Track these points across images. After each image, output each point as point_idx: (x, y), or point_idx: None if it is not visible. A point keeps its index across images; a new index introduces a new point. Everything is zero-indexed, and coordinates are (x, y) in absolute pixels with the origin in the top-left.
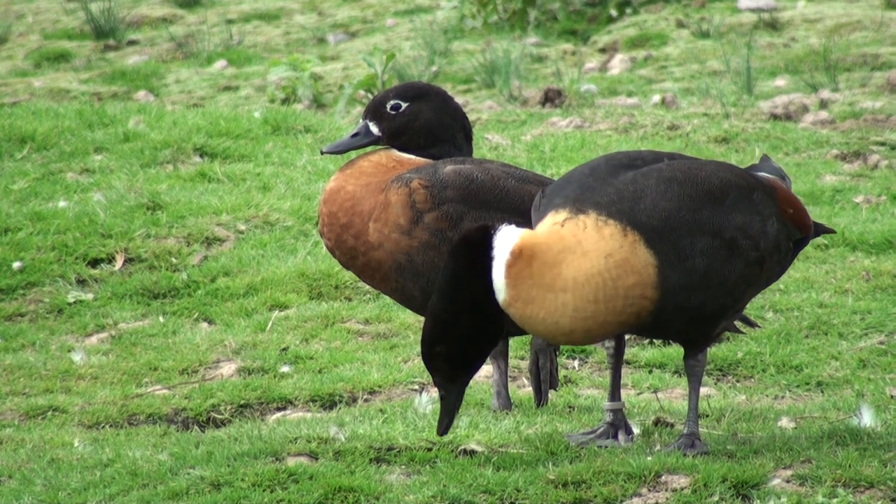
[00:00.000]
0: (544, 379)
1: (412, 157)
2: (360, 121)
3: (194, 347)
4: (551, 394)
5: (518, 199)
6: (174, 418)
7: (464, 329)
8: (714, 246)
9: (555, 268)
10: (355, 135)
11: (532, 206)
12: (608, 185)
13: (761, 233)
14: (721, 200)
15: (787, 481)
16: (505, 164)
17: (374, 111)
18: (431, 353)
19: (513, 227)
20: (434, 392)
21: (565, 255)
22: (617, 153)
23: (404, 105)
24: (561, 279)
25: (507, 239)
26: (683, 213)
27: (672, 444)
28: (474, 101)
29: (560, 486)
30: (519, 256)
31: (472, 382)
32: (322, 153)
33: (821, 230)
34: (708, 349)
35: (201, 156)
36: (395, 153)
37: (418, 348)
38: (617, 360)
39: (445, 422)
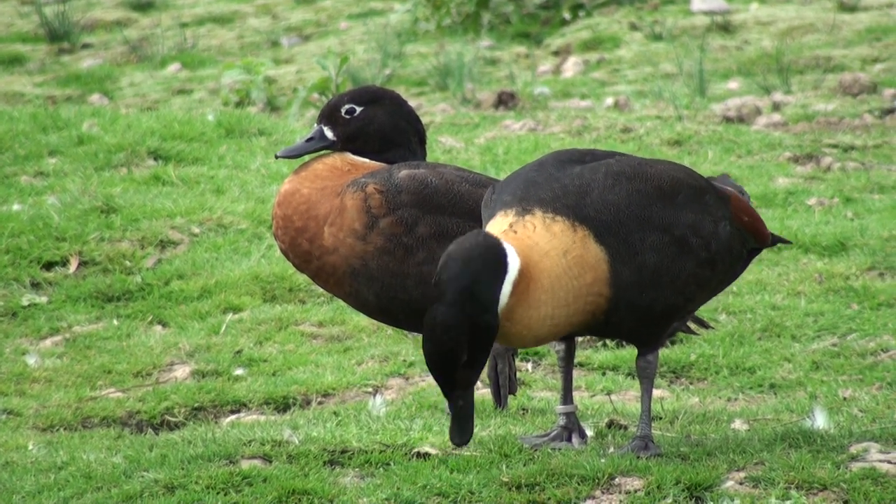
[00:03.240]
0: (503, 384)
1: (367, 160)
2: (315, 125)
3: (148, 350)
4: (509, 398)
5: (472, 202)
6: (128, 421)
7: (481, 332)
8: (664, 242)
9: (537, 282)
10: (310, 139)
11: (482, 202)
12: (553, 181)
13: (712, 234)
14: (671, 198)
15: (741, 483)
16: (459, 168)
17: (329, 115)
18: (456, 364)
19: (502, 240)
20: (388, 394)
21: (537, 263)
22: (567, 149)
23: (359, 109)
24: (542, 292)
25: (512, 254)
26: (633, 209)
27: (625, 446)
28: (428, 104)
29: (514, 488)
30: (521, 275)
31: (424, 385)
32: (276, 157)
33: (776, 240)
34: (659, 351)
35: (155, 159)
36: (350, 157)
37: (372, 351)
38: (567, 364)
39: (469, 427)
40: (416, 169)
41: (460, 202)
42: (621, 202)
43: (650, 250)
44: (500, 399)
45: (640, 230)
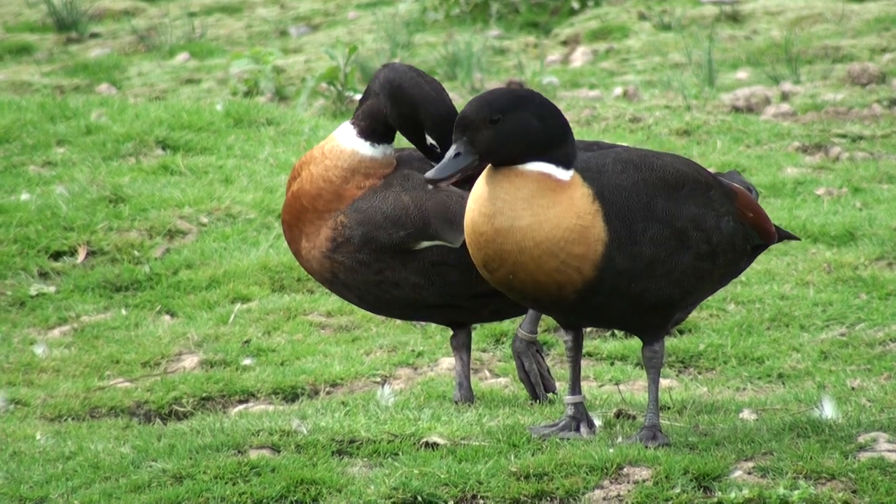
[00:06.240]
0: (536, 382)
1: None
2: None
3: (156, 340)
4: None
5: (401, 210)
6: (136, 411)
7: (531, 123)
8: (664, 236)
9: (532, 199)
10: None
11: None
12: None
13: (714, 228)
14: (676, 190)
15: (749, 473)
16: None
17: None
18: (490, 118)
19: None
20: (396, 384)
21: (558, 195)
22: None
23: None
24: (553, 216)
25: (563, 171)
26: (640, 197)
27: (634, 436)
28: None
29: (522, 478)
30: (548, 180)
31: (434, 375)
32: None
33: (784, 236)
34: (665, 341)
35: (163, 148)
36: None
37: (380, 340)
38: (575, 354)
39: (448, 174)
40: (384, 189)
41: (403, 216)
42: (630, 188)
43: (649, 242)
44: (537, 397)
45: (644, 220)
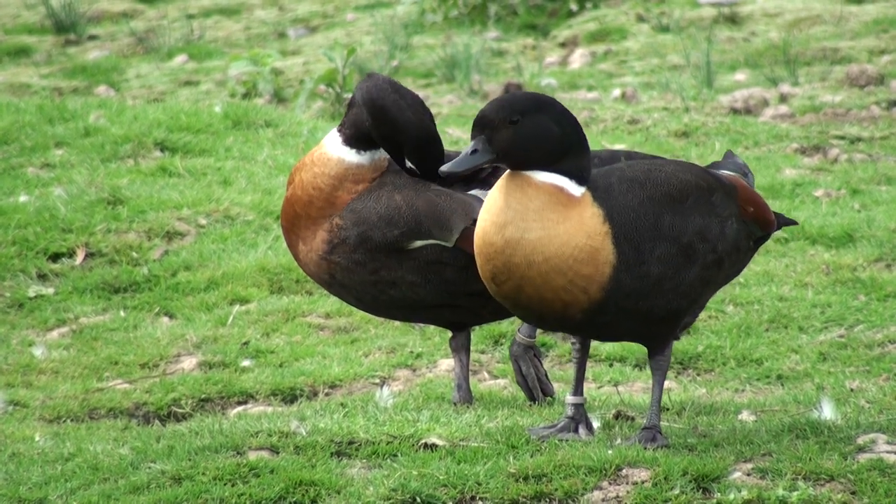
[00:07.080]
0: (533, 386)
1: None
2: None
3: (155, 342)
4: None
5: (394, 209)
6: (135, 412)
7: (550, 128)
8: (671, 253)
9: (541, 212)
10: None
11: None
12: None
13: (719, 235)
14: (681, 202)
15: (748, 474)
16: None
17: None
18: (510, 119)
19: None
20: (395, 386)
21: (566, 214)
22: None
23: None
24: (535, 223)
25: (572, 185)
26: (648, 217)
27: (633, 437)
28: (435, 96)
29: (521, 479)
30: (557, 192)
31: (433, 377)
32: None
33: (783, 223)
34: (672, 344)
35: (162, 150)
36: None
37: (379, 342)
38: (582, 356)
39: (463, 169)
40: (377, 189)
41: (385, 213)
42: (637, 208)
43: (656, 261)
44: (534, 400)
45: (652, 239)
